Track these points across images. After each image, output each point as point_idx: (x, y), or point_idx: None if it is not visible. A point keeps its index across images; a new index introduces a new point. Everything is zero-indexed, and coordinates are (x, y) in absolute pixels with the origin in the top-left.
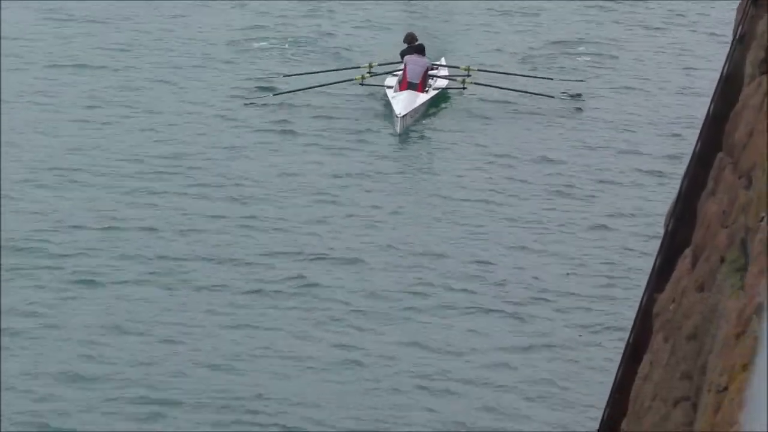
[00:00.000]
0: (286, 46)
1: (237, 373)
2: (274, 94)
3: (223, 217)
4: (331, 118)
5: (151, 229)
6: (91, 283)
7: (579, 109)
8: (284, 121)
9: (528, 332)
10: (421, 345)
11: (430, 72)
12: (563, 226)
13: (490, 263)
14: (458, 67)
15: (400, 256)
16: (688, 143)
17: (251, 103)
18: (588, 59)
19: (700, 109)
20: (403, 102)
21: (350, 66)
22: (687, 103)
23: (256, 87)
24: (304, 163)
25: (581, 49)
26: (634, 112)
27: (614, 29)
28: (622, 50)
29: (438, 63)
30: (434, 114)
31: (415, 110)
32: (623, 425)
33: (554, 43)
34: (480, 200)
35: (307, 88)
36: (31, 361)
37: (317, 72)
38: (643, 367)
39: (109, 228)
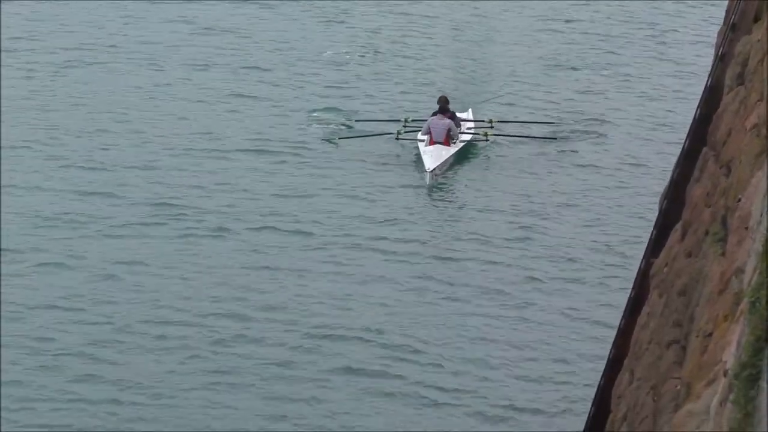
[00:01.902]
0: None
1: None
2: (331, 141)
3: (248, 241)
4: (369, 167)
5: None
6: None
7: (600, 134)
8: (329, 164)
9: (556, 293)
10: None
11: (457, 126)
12: (582, 217)
13: (514, 287)
14: (483, 120)
15: (422, 292)
16: (678, 140)
17: (332, 141)
18: (605, 77)
19: (688, 113)
20: (432, 157)
21: (391, 119)
22: (676, 109)
23: (317, 127)
24: (340, 207)
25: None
26: (635, 118)
27: (622, 51)
28: (625, 64)
29: (464, 118)
30: (460, 165)
31: (443, 163)
32: (626, 362)
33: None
34: (501, 242)
35: (353, 137)
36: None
37: (366, 120)
38: (642, 318)
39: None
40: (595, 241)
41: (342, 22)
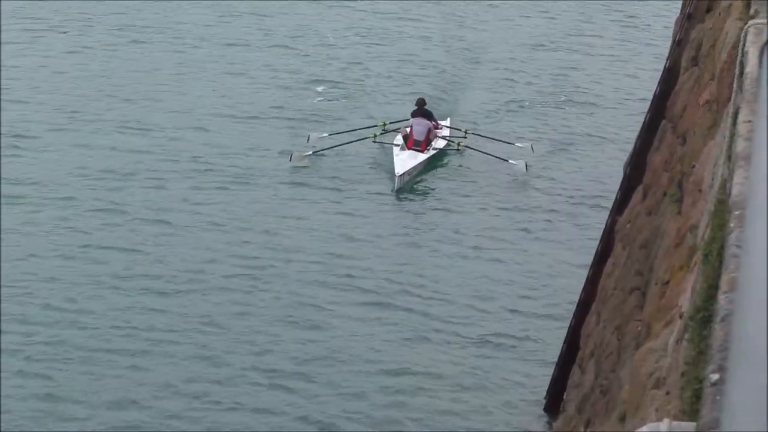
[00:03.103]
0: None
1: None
2: (305, 155)
3: (224, 254)
4: (343, 172)
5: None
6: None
7: (570, 108)
8: (304, 174)
9: (532, 248)
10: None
11: (435, 129)
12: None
13: (492, 248)
14: (459, 129)
15: (385, 293)
16: (640, 114)
17: (294, 165)
18: (571, 57)
19: (648, 91)
20: (403, 161)
21: (367, 125)
22: (639, 87)
23: (292, 144)
24: (312, 213)
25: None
26: (604, 95)
27: (592, 38)
28: (595, 46)
29: (442, 123)
30: (431, 172)
31: (414, 168)
32: (593, 306)
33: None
34: (462, 247)
35: (330, 147)
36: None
37: (342, 132)
38: (608, 267)
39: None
40: (565, 202)
41: (338, 13)
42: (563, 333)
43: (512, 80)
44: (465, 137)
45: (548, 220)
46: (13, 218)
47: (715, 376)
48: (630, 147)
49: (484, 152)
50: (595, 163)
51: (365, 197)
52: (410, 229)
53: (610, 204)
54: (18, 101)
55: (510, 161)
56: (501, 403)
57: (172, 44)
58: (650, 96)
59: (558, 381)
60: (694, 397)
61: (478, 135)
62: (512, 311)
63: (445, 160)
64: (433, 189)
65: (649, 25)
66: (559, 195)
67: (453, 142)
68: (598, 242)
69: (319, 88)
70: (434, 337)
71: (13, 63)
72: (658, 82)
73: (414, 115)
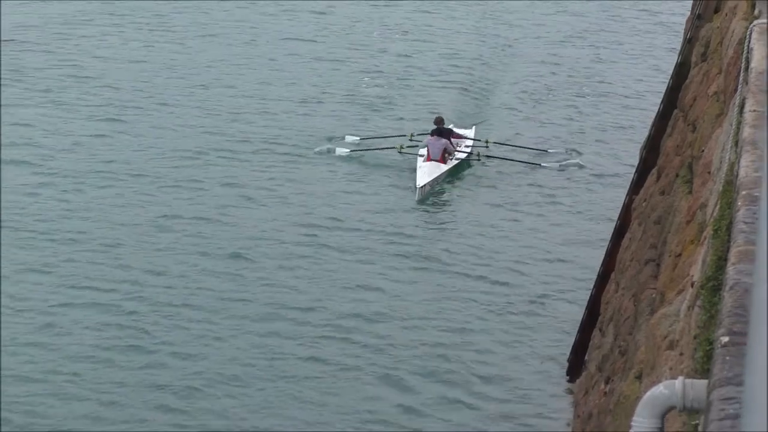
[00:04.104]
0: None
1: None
2: (334, 154)
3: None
4: (369, 177)
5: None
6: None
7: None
8: (334, 175)
9: (555, 226)
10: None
11: (454, 139)
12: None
13: (517, 228)
14: (480, 140)
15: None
16: (654, 105)
17: (322, 152)
18: (589, 51)
19: (662, 83)
20: (425, 173)
21: (396, 134)
22: (653, 80)
23: (325, 139)
24: (333, 216)
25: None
26: (623, 86)
27: (611, 39)
28: (614, 43)
29: (463, 134)
30: (452, 182)
31: (435, 179)
32: (612, 276)
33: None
34: (490, 224)
35: (359, 150)
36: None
37: (372, 138)
38: (625, 241)
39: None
40: (587, 182)
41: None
42: (585, 300)
43: (541, 73)
44: (487, 147)
45: (570, 200)
46: (103, 192)
47: (725, 339)
48: (645, 133)
49: (510, 159)
50: (613, 148)
51: (386, 209)
52: (436, 217)
53: (627, 184)
54: (104, 87)
55: (556, 167)
56: (528, 362)
57: (238, 38)
58: (664, 88)
59: (580, 343)
60: (706, 357)
61: (500, 144)
62: (538, 281)
63: (466, 171)
64: (455, 191)
65: (663, 23)
66: (581, 176)
67: (473, 153)
68: (616, 219)
69: (365, 78)
70: (466, 303)
71: (101, 54)
72: (671, 76)
73: (432, 133)
